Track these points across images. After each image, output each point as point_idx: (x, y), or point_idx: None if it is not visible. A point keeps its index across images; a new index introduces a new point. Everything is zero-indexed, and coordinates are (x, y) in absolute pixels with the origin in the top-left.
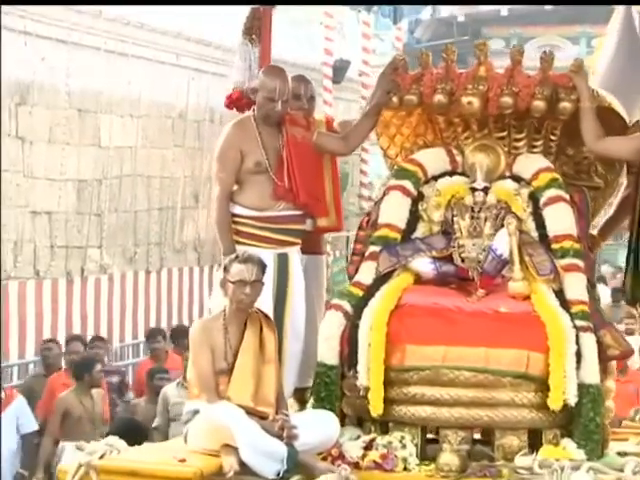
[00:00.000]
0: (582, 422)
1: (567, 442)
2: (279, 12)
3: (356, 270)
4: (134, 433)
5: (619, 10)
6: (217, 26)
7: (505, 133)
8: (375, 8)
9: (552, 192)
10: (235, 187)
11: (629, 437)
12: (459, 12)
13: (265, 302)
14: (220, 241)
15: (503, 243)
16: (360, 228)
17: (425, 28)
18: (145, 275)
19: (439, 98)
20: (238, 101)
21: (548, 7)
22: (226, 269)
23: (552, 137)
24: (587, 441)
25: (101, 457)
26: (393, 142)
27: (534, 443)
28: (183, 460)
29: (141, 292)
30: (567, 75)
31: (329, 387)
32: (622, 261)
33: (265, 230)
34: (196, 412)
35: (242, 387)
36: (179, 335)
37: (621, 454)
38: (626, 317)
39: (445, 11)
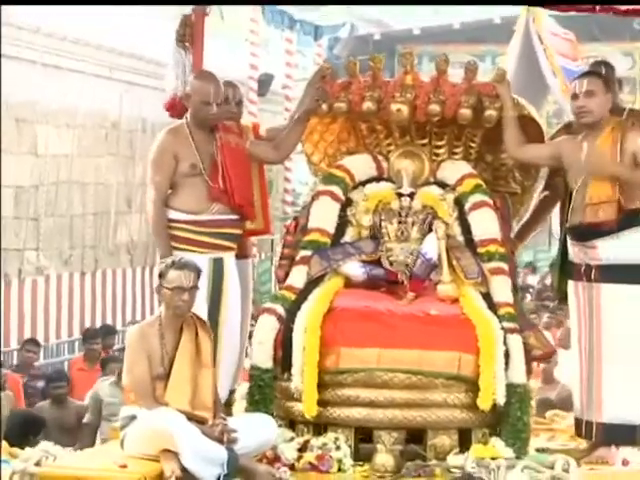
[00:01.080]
0: (510, 421)
1: (496, 441)
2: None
3: (285, 274)
4: (29, 425)
5: (519, 30)
6: (148, 41)
7: (426, 140)
8: (297, 26)
9: (477, 197)
10: (169, 192)
11: (540, 433)
12: (375, 31)
13: (199, 306)
14: (157, 244)
15: (432, 247)
16: (287, 233)
17: (344, 45)
18: (80, 276)
19: (368, 105)
20: (175, 107)
21: (456, 27)
22: (162, 275)
23: (472, 144)
24: (515, 439)
25: (37, 464)
26: (317, 148)
27: (464, 442)
28: (124, 466)
29: (76, 293)
30: (491, 84)
31: (263, 390)
32: (525, 261)
33: (201, 234)
34: (133, 417)
35: (179, 392)
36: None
37: (539, 450)
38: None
39: (362, 30)
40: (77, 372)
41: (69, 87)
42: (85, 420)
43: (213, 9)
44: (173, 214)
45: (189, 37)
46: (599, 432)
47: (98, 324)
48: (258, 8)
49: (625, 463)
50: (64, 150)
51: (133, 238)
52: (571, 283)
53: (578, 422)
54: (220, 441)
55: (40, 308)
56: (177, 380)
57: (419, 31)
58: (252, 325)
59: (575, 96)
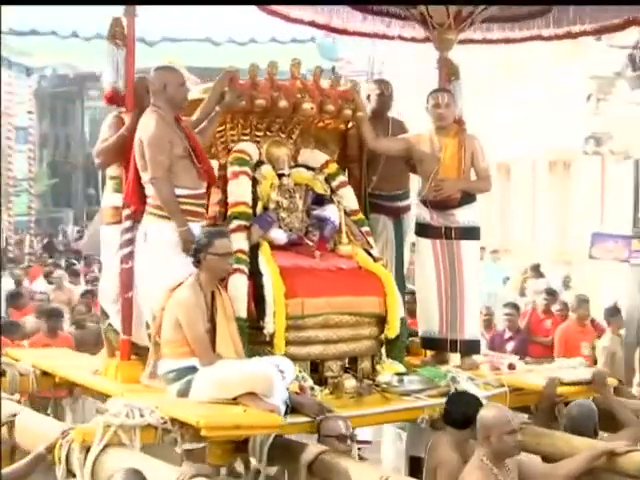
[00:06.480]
0: (399, 345)
1: (392, 361)
2: None
3: None
4: None
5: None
6: None
7: (262, 133)
8: (14, 68)
9: (340, 178)
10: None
11: None
12: (70, 72)
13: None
14: (173, 215)
15: (336, 216)
16: None
17: (49, 80)
18: None
19: (283, 104)
20: (114, 97)
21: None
22: (209, 244)
23: (292, 135)
24: (401, 359)
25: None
26: None
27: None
28: (245, 410)
29: None
30: (350, 91)
31: (242, 336)
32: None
33: (197, 206)
34: (192, 368)
35: (227, 343)
36: None
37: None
38: None
39: (61, 71)
40: None
41: None
42: None
43: None
44: (176, 190)
45: (120, 36)
46: (463, 346)
47: None
48: None
49: (512, 367)
50: None
51: None
52: (428, 241)
53: (441, 341)
54: None
55: None
56: (222, 333)
57: (99, 73)
58: None
59: (437, 105)
